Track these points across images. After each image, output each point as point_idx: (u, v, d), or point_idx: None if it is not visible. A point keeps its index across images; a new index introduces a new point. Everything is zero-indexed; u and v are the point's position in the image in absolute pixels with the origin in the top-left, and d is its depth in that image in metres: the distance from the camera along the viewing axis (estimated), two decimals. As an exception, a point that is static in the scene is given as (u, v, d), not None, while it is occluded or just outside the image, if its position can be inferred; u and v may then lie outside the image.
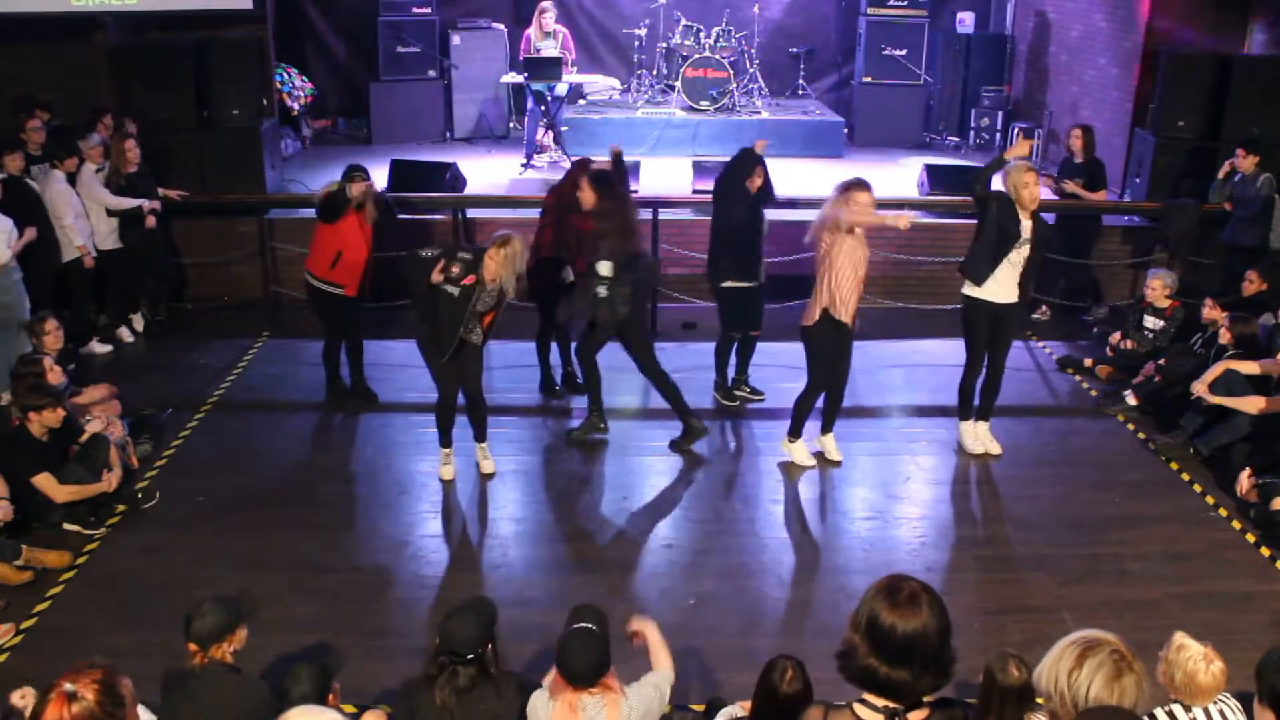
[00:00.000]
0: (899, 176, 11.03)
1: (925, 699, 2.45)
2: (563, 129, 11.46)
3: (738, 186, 7.27)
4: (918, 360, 8.62)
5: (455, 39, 12.53)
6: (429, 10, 12.47)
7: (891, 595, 2.39)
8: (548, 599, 5.46)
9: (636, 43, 12.78)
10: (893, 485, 6.72)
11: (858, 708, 2.46)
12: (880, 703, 2.42)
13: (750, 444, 7.22)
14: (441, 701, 3.46)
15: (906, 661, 2.37)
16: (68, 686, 2.56)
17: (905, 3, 12.66)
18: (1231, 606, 5.41)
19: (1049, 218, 7.59)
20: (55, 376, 6.21)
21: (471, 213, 9.57)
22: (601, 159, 7.95)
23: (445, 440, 6.64)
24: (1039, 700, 3.44)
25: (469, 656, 3.48)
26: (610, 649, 3.49)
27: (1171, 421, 7.18)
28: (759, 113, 12.27)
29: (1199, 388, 6.88)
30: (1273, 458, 6.38)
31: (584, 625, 3.45)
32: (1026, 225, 6.51)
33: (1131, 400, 7.65)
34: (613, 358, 7.14)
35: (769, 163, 10.24)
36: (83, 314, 8.43)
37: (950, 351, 8.77)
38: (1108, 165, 10.08)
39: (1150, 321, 8.07)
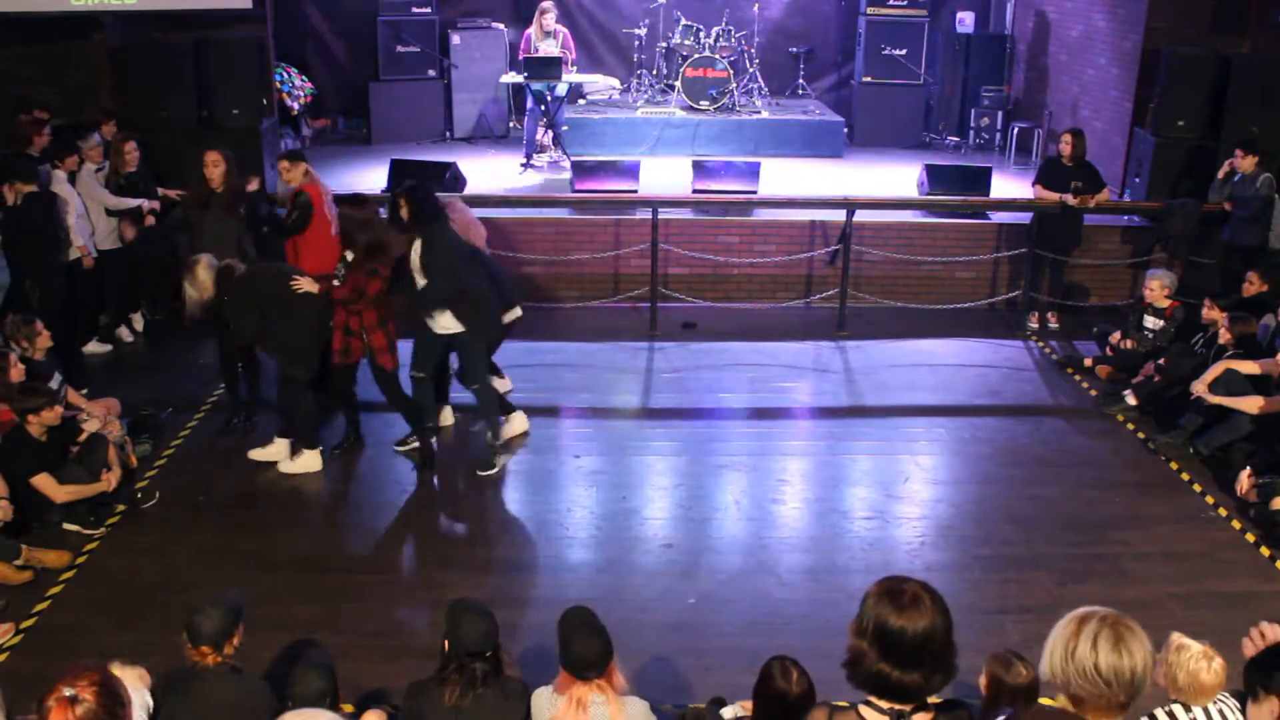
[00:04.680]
0: (899, 176, 11.02)
1: (930, 699, 2.45)
2: (563, 129, 11.46)
3: None
4: (917, 360, 8.61)
5: (455, 39, 12.53)
6: (429, 10, 12.47)
7: (895, 599, 2.39)
8: (546, 599, 5.45)
9: (636, 43, 12.77)
10: (893, 485, 6.72)
11: (863, 709, 2.46)
12: (885, 704, 2.42)
13: (749, 445, 7.22)
14: (451, 701, 3.47)
15: (918, 663, 2.37)
16: (67, 691, 2.56)
17: (905, 2, 12.65)
18: (1231, 606, 5.41)
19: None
20: (17, 374, 6.07)
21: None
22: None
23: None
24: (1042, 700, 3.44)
25: (486, 654, 3.51)
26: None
27: (1171, 421, 7.18)
28: (759, 112, 12.27)
29: (1199, 388, 6.89)
30: (1273, 458, 6.38)
31: (582, 618, 3.51)
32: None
33: (1131, 400, 7.65)
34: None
35: (766, 162, 10.35)
36: (83, 314, 8.42)
37: (950, 351, 8.81)
38: (1108, 165, 10.09)
39: (1150, 321, 8.06)
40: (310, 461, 6.72)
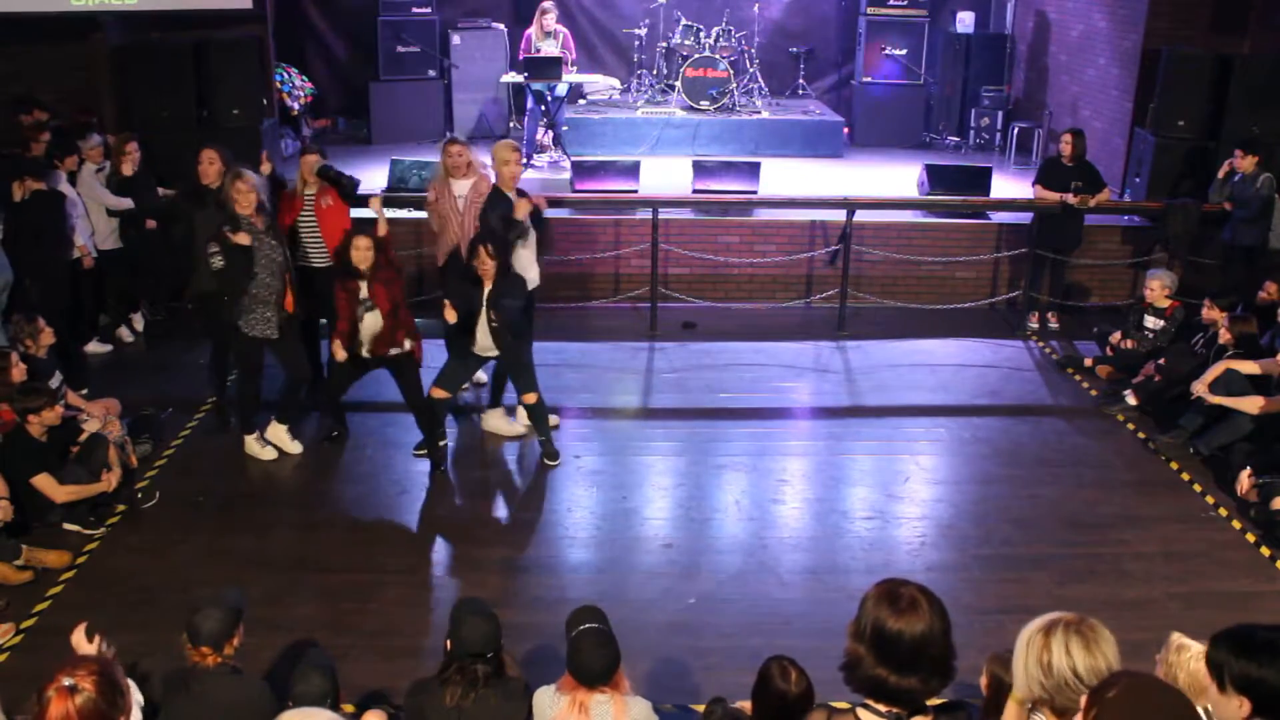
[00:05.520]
0: (899, 176, 11.02)
1: (929, 702, 2.44)
2: (563, 129, 11.47)
3: None
4: (917, 360, 8.61)
5: (455, 39, 12.52)
6: (429, 10, 12.47)
7: (893, 602, 2.37)
8: (546, 599, 5.45)
9: (636, 43, 12.78)
10: (893, 485, 6.72)
11: (861, 712, 2.45)
12: (884, 708, 2.41)
13: (749, 445, 7.22)
14: (453, 702, 3.47)
15: (915, 667, 2.35)
16: (67, 681, 2.57)
17: (905, 2, 12.66)
18: (1231, 606, 5.41)
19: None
20: (18, 373, 6.09)
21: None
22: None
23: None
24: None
25: (488, 656, 3.51)
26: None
27: (1171, 421, 7.18)
28: (759, 112, 12.27)
29: (1199, 388, 6.89)
30: (1273, 458, 6.39)
31: (592, 625, 3.47)
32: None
33: (1131, 400, 7.65)
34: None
35: (766, 162, 10.34)
36: (84, 314, 8.42)
37: (950, 351, 8.81)
38: (1108, 165, 10.09)
39: (1150, 321, 8.06)
40: (253, 446, 6.88)
